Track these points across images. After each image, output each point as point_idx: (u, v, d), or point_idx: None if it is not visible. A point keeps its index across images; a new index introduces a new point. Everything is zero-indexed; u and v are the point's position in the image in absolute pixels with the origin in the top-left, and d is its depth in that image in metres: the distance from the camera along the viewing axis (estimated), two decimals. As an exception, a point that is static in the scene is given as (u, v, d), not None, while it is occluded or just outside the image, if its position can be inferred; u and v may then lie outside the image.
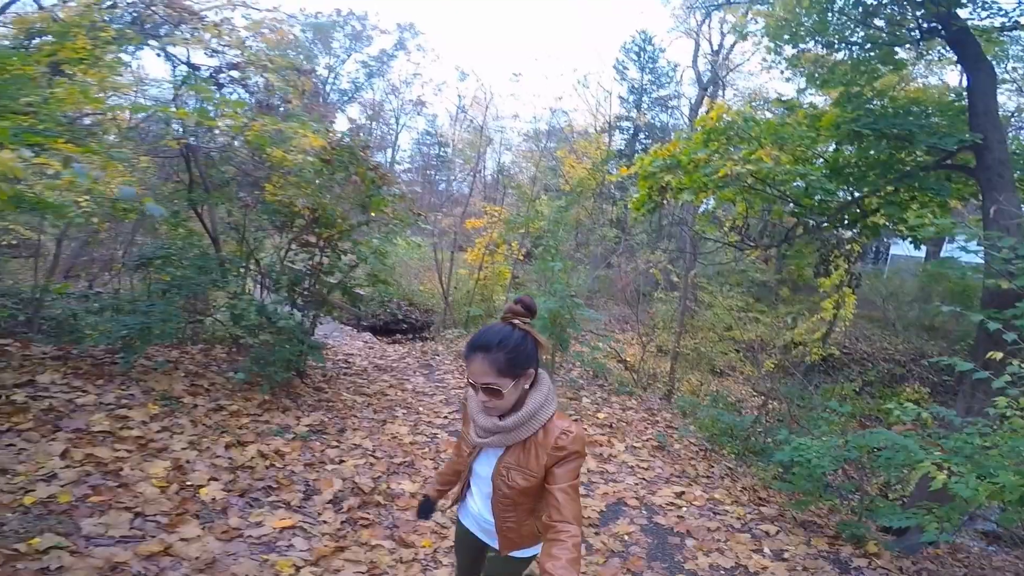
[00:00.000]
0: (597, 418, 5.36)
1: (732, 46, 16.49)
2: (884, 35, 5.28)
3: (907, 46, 5.47)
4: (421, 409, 5.10)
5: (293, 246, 5.69)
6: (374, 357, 8.02)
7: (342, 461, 3.51)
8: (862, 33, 5.52)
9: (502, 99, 47.74)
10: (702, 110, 19.10)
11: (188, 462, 2.96)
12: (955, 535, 3.19)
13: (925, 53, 6.39)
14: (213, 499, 2.70)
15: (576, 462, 1.38)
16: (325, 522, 2.74)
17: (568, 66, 48.64)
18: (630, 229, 13.71)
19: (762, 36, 6.03)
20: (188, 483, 2.77)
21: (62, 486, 2.43)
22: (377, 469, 3.51)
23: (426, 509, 1.81)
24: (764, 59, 7.40)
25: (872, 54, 5.30)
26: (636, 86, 25.80)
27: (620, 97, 25.42)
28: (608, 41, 48.60)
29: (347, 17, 32.10)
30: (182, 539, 2.32)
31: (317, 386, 5.27)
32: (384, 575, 2.42)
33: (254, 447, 3.37)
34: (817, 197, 4.93)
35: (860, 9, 5.46)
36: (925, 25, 5.23)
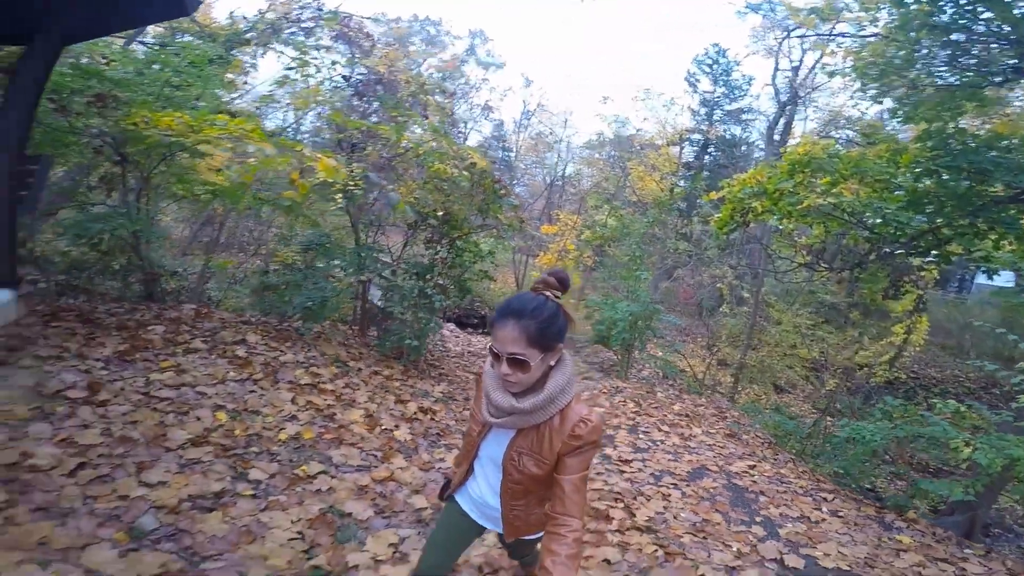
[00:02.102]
0: (673, 409, 6.07)
1: (814, 65, 16.54)
2: (970, 75, 5.71)
3: (995, 83, 5.85)
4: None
5: (410, 243, 6.76)
6: (463, 344, 9.02)
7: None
8: (949, 73, 5.95)
9: (564, 104, 48.35)
10: (779, 127, 19.17)
11: (373, 413, 3.89)
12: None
13: (1011, 90, 6.68)
14: (405, 440, 3.63)
15: (590, 453, 1.32)
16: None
17: (638, 77, 48.89)
18: (699, 242, 14.14)
19: (848, 72, 6.53)
20: (383, 427, 3.71)
21: (301, 425, 3.26)
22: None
23: (446, 489, 1.73)
24: (847, 84, 7.81)
25: (958, 92, 5.73)
26: (708, 99, 25.91)
27: (691, 109, 25.60)
28: (679, 53, 48.47)
29: (423, 22, 33.87)
30: (399, 468, 3.21)
31: (431, 363, 6.26)
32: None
33: (413, 404, 4.33)
34: (892, 228, 5.42)
35: (948, 51, 5.91)
36: (1012, 64, 5.63)
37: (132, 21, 4.43)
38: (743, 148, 24.77)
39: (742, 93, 25.47)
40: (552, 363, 1.33)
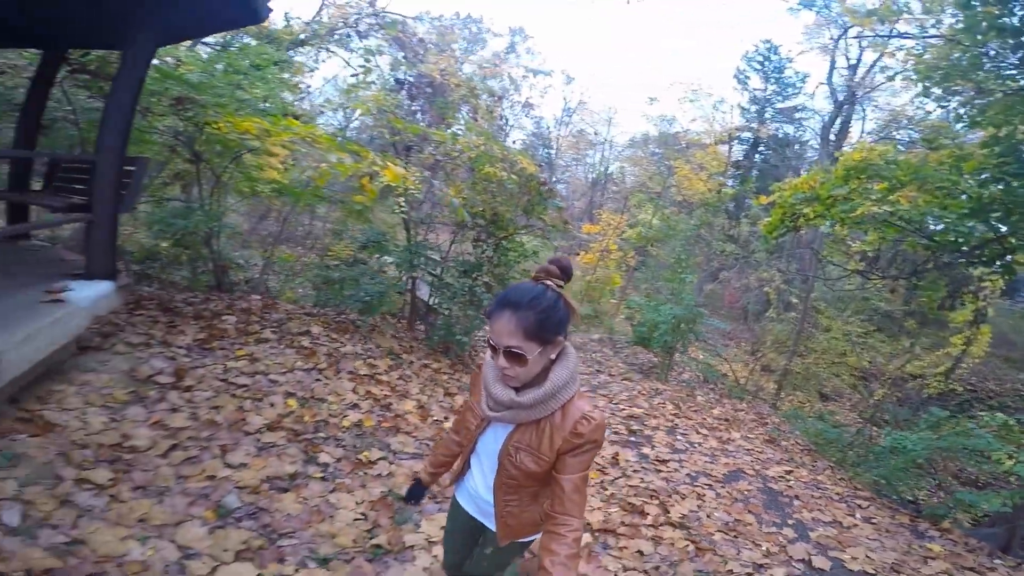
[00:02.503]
0: (712, 412, 6.12)
1: (873, 64, 15.85)
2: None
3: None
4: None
5: (456, 241, 7.03)
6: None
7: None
8: (1020, 77, 5.70)
9: (606, 101, 47.80)
10: (835, 128, 18.45)
11: (424, 404, 4.15)
12: None
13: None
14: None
15: (591, 452, 1.28)
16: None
17: (670, 74, 47.80)
18: (747, 245, 13.88)
19: (910, 75, 6.33)
20: (433, 418, 3.96)
21: (362, 414, 3.53)
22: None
23: (416, 493, 1.70)
24: (908, 86, 7.52)
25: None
26: (759, 96, 25.15)
27: (740, 107, 24.93)
28: (712, 49, 47.13)
29: (465, 20, 34.26)
30: None
31: (476, 358, 6.51)
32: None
33: (460, 397, 4.58)
34: (953, 237, 5.26)
35: (1019, 53, 5.65)
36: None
37: (210, 28, 4.78)
38: (796, 147, 23.93)
39: (795, 91, 24.61)
40: (553, 356, 1.27)
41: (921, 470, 4.63)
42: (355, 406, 3.61)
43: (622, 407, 5.55)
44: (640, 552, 2.63)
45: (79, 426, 2.48)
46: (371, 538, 2.40)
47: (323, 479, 2.70)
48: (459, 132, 5.49)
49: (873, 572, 2.91)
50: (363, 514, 2.52)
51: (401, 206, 4.72)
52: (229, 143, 5.21)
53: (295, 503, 2.44)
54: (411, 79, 6.26)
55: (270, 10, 4.25)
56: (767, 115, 24.50)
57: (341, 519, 2.43)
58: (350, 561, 2.22)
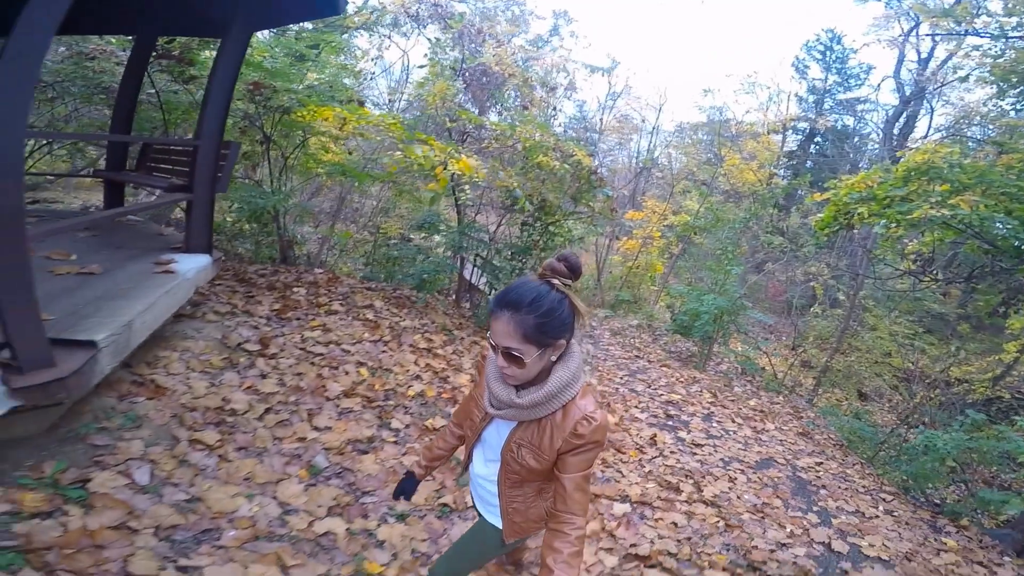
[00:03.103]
0: (748, 403, 6.26)
1: (946, 60, 14.97)
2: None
3: None
4: (601, 368, 6.43)
5: (504, 223, 7.32)
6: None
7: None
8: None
9: (652, 85, 46.60)
10: (899, 124, 17.62)
11: (475, 378, 4.48)
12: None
13: None
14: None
15: (593, 452, 1.27)
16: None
17: (738, 65, 46.01)
18: (796, 238, 13.62)
19: (985, 77, 6.15)
20: None
21: (424, 384, 3.86)
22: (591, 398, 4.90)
23: (408, 487, 1.66)
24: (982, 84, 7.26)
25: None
26: (818, 87, 24.14)
27: (798, 96, 24.03)
28: (785, 42, 44.98)
29: (508, 3, 33.94)
30: None
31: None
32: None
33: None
34: (1016, 242, 5.18)
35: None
36: None
37: (296, 16, 4.96)
38: (855, 140, 22.94)
39: (859, 82, 23.52)
40: (554, 358, 1.25)
41: (953, 472, 4.70)
42: (417, 377, 3.97)
43: (660, 393, 5.77)
44: (675, 524, 2.90)
45: (185, 390, 2.82)
46: (439, 497, 2.71)
47: (395, 443, 3.06)
48: (514, 121, 5.71)
49: (887, 559, 3.08)
50: (432, 475, 2.80)
51: (465, 192, 5.01)
52: (296, 126, 5.58)
53: (373, 464, 2.79)
54: (468, 68, 6.51)
55: (347, 2, 4.53)
56: (826, 106, 23.54)
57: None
58: (423, 518, 2.54)
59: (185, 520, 2.00)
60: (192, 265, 3.55)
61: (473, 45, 6.37)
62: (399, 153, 4.57)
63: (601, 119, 31.56)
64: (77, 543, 1.69)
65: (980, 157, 7.59)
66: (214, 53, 6.23)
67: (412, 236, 6.98)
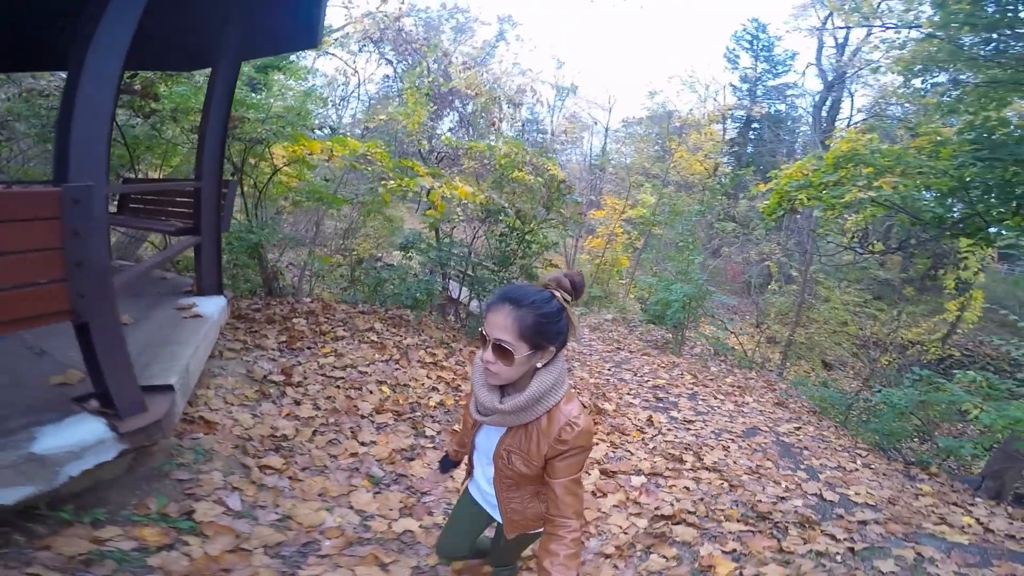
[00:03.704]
0: (726, 381, 6.81)
1: (857, 48, 16.26)
2: (1011, 70, 6.04)
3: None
4: (589, 363, 6.85)
5: (480, 235, 7.66)
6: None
7: (572, 388, 5.33)
8: (992, 68, 6.27)
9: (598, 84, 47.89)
10: (826, 108, 18.91)
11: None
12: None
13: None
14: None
15: (580, 456, 1.30)
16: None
17: (673, 54, 47.95)
18: (747, 222, 14.51)
19: (892, 68, 6.92)
20: None
21: (442, 395, 4.14)
22: (588, 390, 5.29)
23: (446, 465, 1.86)
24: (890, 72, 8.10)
25: (1000, 87, 6.08)
26: (749, 75, 25.57)
27: (732, 85, 25.38)
28: (715, 28, 47.15)
29: (452, 11, 34.37)
30: None
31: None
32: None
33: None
34: (936, 213, 5.90)
35: (991, 46, 6.22)
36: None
37: (279, 49, 4.96)
38: (789, 123, 24.40)
39: (785, 68, 25.05)
40: (540, 364, 1.28)
41: (917, 428, 5.32)
42: (434, 389, 4.25)
43: (647, 379, 6.24)
44: (686, 488, 3.31)
45: (233, 423, 2.99)
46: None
47: (434, 448, 3.35)
48: (486, 140, 6.08)
49: (873, 504, 3.56)
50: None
51: (459, 215, 5.33)
52: (264, 157, 5.69)
53: (422, 468, 3.07)
54: (442, 93, 6.86)
55: (323, 36, 4.73)
56: (759, 93, 24.94)
57: (458, 477, 3.06)
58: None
59: (285, 536, 2.23)
60: (213, 308, 3.74)
61: (439, 67, 6.72)
62: (392, 182, 4.85)
63: (551, 120, 32.32)
64: (207, 569, 1.91)
65: (901, 136, 8.45)
66: (176, 87, 6.31)
67: (381, 256, 7.23)
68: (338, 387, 3.85)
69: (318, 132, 6.98)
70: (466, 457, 1.63)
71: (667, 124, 19.60)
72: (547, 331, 1.23)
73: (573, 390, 1.40)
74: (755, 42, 25.60)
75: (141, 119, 6.47)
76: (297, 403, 3.50)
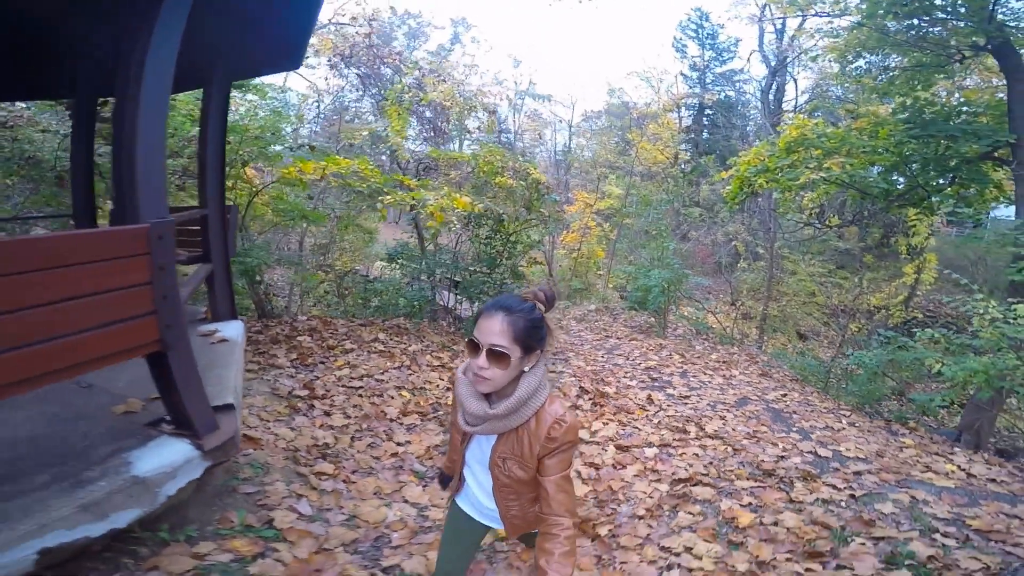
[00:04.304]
0: (711, 358, 7.24)
1: (793, 36, 17.14)
2: (930, 54, 6.65)
3: (956, 60, 6.78)
4: (583, 352, 7.17)
5: (463, 238, 7.92)
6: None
7: (572, 375, 5.62)
8: (916, 52, 6.88)
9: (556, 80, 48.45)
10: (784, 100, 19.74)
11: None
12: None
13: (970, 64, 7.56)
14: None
15: (569, 452, 1.37)
16: (580, 407, 4.83)
17: (625, 45, 48.98)
18: (712, 206, 15.14)
19: (828, 57, 7.48)
20: None
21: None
22: (587, 378, 5.59)
23: (446, 480, 1.81)
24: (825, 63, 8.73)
25: (924, 70, 6.70)
26: (698, 63, 26.44)
27: (682, 75, 26.18)
28: (663, 18, 48.35)
29: (403, 17, 34.34)
30: None
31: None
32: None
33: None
34: (881, 187, 6.47)
35: (912, 32, 6.84)
36: (972, 41, 6.56)
37: (262, 70, 5.02)
38: (739, 108, 25.35)
39: (730, 55, 25.97)
40: (527, 368, 1.34)
41: (891, 390, 5.81)
42: (448, 389, 4.49)
43: (639, 362, 6.60)
44: (695, 454, 3.64)
45: (275, 437, 3.18)
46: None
47: (463, 441, 3.59)
48: (468, 150, 6.34)
49: (863, 456, 3.93)
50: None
51: (454, 224, 5.56)
52: (241, 179, 5.78)
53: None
54: (422, 106, 7.08)
55: (305, 58, 4.84)
56: (708, 81, 25.82)
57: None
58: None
59: (357, 534, 2.43)
60: (234, 332, 3.86)
61: (414, 80, 6.95)
62: (388, 197, 5.05)
63: (515, 120, 32.68)
64: (301, 572, 2.10)
65: (843, 117, 9.06)
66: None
67: (366, 269, 7.41)
68: (361, 396, 4.05)
69: (295, 151, 7.07)
70: (454, 479, 1.64)
71: (628, 119, 20.13)
72: (535, 335, 1.32)
73: (555, 392, 1.51)
74: (700, 31, 26.46)
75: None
76: (327, 414, 3.70)
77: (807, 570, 2.34)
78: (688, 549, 2.52)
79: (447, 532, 1.69)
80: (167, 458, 2.08)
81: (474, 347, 1.30)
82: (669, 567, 2.40)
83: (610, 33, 51.79)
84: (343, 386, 4.20)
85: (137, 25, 2.03)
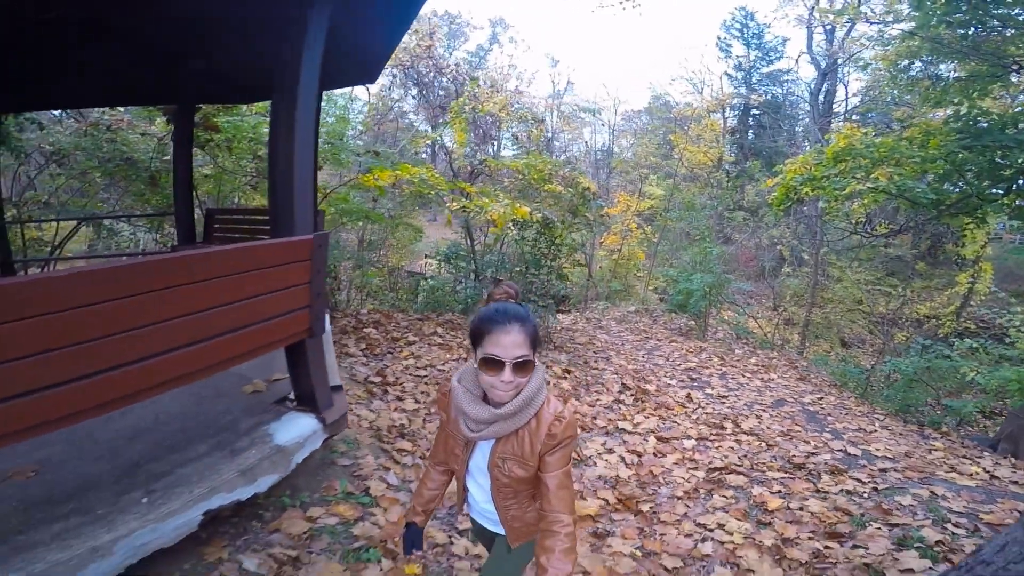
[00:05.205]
0: (750, 361, 7.46)
1: (848, 30, 16.74)
2: (986, 65, 6.64)
3: (1012, 70, 6.74)
4: (624, 352, 7.52)
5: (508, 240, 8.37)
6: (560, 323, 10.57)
7: (614, 372, 6.00)
8: (971, 62, 6.88)
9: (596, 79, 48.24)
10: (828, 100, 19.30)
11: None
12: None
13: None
14: (568, 389, 5.25)
15: (569, 447, 1.38)
16: (622, 401, 5.20)
17: (667, 44, 48.31)
18: (756, 210, 15.10)
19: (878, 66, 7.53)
20: (549, 382, 5.31)
21: None
22: (628, 375, 5.95)
23: (413, 538, 1.63)
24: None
25: (978, 80, 6.69)
26: (743, 63, 26.01)
27: (727, 74, 25.83)
28: (707, 17, 47.49)
29: (443, 18, 35.08)
30: (578, 403, 4.86)
31: (547, 338, 7.85)
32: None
33: (556, 367, 5.93)
34: (932, 196, 6.50)
35: (966, 41, 6.83)
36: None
37: (343, 83, 5.38)
38: (787, 108, 24.86)
39: (777, 55, 25.46)
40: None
41: (930, 395, 5.93)
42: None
43: (679, 363, 6.90)
44: (731, 448, 3.98)
45: (357, 418, 3.66)
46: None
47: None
48: (520, 157, 6.79)
49: (892, 457, 4.17)
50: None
51: (511, 229, 6.02)
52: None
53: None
54: (480, 117, 7.60)
55: (380, 74, 5.32)
56: (754, 81, 25.41)
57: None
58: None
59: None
60: (324, 321, 4.44)
61: (472, 92, 7.47)
62: (454, 204, 5.56)
63: (552, 118, 32.96)
64: (394, 533, 2.50)
65: (896, 123, 9.02)
66: (230, 118, 6.94)
67: (420, 266, 7.96)
68: (427, 383, 4.55)
69: (360, 156, 7.69)
70: (457, 494, 1.63)
71: (674, 123, 20.14)
72: (538, 334, 1.37)
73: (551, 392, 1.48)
74: (745, 30, 26.02)
75: (198, 150, 6.99)
76: (400, 399, 4.20)
77: (826, 547, 2.68)
78: (721, 526, 2.89)
79: (474, 534, 1.73)
80: (298, 430, 2.58)
81: (494, 363, 1.29)
82: (703, 540, 2.77)
83: (651, 32, 51.13)
84: (410, 374, 4.71)
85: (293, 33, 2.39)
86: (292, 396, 2.84)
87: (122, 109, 7.80)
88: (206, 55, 4.13)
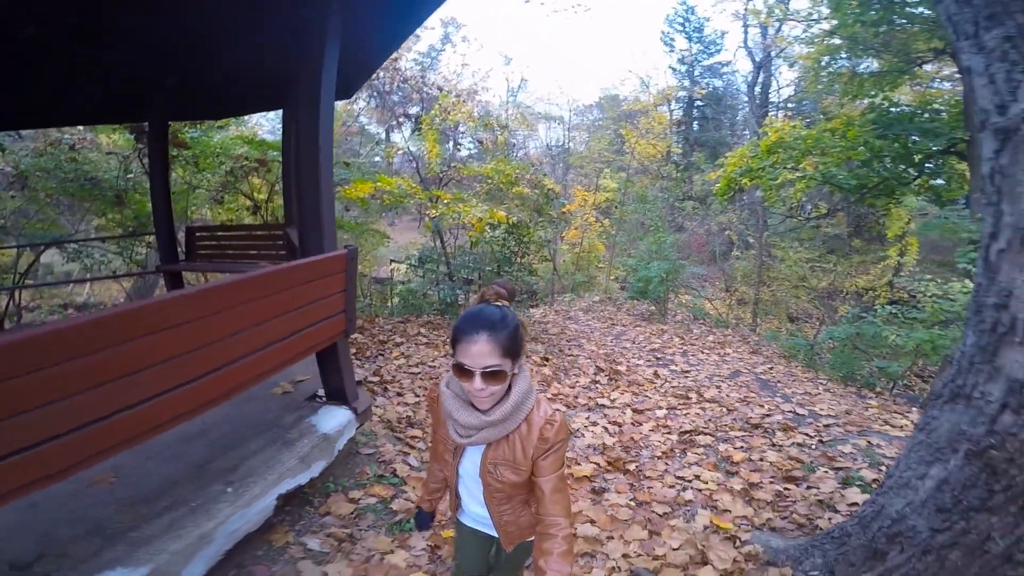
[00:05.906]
0: (707, 339, 8.15)
1: (778, 28, 17.94)
2: (895, 60, 7.53)
3: (918, 65, 7.67)
4: (593, 338, 8.07)
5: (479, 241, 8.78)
6: (528, 315, 11.05)
7: (587, 357, 6.52)
8: (883, 58, 7.76)
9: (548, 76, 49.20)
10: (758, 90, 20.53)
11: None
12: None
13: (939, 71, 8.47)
14: (549, 375, 5.72)
15: (562, 450, 1.37)
16: (598, 382, 5.71)
17: (614, 40, 49.57)
18: (705, 199, 16.02)
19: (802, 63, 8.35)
20: (539, 376, 5.76)
21: None
22: (601, 359, 6.48)
23: (423, 520, 1.76)
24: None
25: (888, 74, 7.58)
26: (686, 57, 27.14)
27: (672, 68, 26.91)
28: (652, 12, 48.94)
29: None
30: (559, 386, 5.32)
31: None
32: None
33: (534, 356, 6.40)
34: (850, 184, 7.38)
35: (878, 40, 7.71)
36: (931, 47, 7.44)
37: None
38: (728, 99, 26.13)
39: (717, 48, 26.66)
40: (515, 371, 1.33)
41: (864, 359, 6.71)
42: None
43: (644, 345, 7.50)
44: (697, 414, 4.54)
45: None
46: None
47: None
48: (488, 163, 7.21)
49: (834, 415, 4.80)
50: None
51: (493, 234, 6.44)
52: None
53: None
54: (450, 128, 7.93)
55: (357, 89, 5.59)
56: (696, 74, 26.58)
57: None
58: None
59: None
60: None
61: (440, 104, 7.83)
62: (433, 210, 5.91)
63: (506, 116, 33.36)
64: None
65: (827, 106, 9.94)
66: (195, 133, 6.99)
67: (389, 271, 8.27)
68: (422, 379, 4.91)
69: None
70: (447, 493, 1.66)
71: (620, 113, 20.90)
72: (518, 340, 1.31)
73: (540, 395, 1.49)
74: (687, 24, 27.14)
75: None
76: (400, 395, 4.54)
77: (785, 488, 3.24)
78: (697, 477, 3.42)
79: (459, 548, 1.70)
80: (336, 420, 2.93)
81: (464, 371, 1.27)
82: (684, 489, 3.29)
83: (601, 29, 52.35)
84: (404, 372, 5.06)
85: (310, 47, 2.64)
86: (320, 393, 3.19)
87: (81, 128, 7.70)
88: (180, 72, 4.19)
